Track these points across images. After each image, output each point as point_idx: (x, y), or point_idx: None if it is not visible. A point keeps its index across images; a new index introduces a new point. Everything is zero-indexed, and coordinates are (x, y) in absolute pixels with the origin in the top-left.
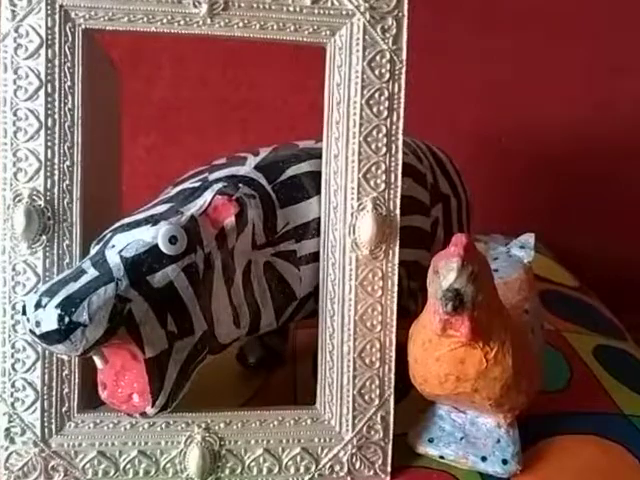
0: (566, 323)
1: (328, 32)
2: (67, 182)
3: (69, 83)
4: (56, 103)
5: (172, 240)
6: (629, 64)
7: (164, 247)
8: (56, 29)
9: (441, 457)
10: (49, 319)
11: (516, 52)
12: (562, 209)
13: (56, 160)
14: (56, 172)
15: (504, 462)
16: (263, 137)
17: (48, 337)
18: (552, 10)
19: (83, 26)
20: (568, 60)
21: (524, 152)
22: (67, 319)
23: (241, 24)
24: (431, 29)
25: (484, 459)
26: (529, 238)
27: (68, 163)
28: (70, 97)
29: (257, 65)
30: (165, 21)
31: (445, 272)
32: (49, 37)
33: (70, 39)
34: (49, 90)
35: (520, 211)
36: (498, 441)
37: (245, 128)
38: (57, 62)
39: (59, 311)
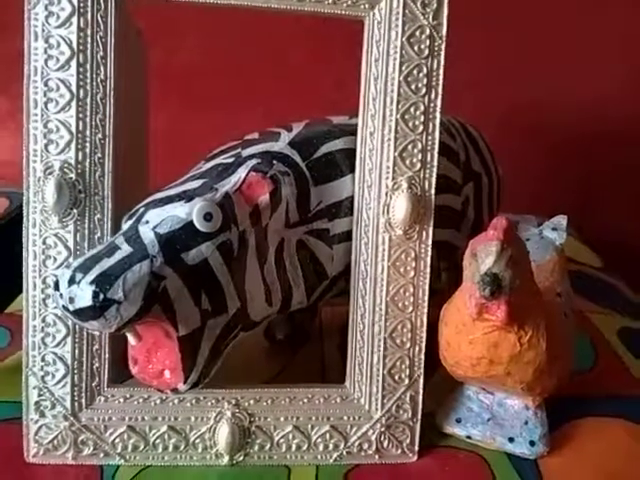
0: (590, 304)
1: (367, 5)
2: (99, 155)
3: (101, 53)
4: (88, 74)
5: (207, 217)
6: None
7: (199, 224)
8: None
9: (468, 437)
10: (83, 295)
11: (549, 29)
12: (588, 189)
13: (88, 132)
14: (87, 145)
15: (531, 444)
16: (286, 110)
17: (82, 314)
18: None
19: None
20: (603, 35)
21: (552, 133)
22: (102, 296)
23: None
24: (461, 5)
25: (511, 440)
26: (562, 220)
27: (100, 136)
28: (102, 68)
29: (282, 37)
30: None
31: (483, 256)
32: (81, 5)
33: (102, 7)
34: (81, 60)
35: (545, 191)
36: (526, 422)
37: (269, 100)
38: (89, 31)
39: (94, 287)
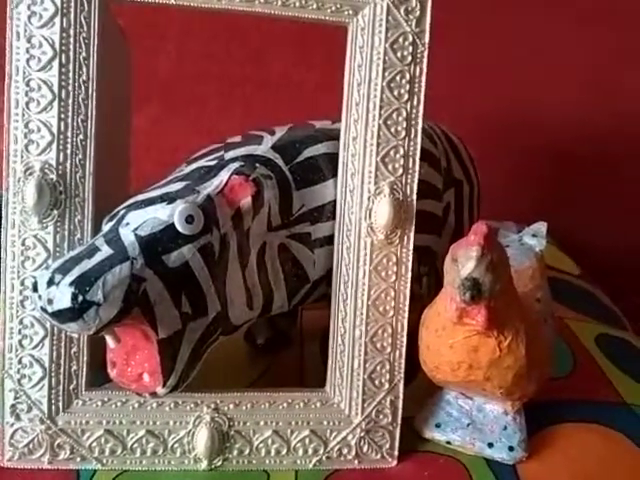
0: (569, 311)
1: (351, 11)
2: (80, 156)
3: (84, 54)
4: (70, 74)
5: (189, 219)
6: (637, 50)
7: (180, 226)
8: None
9: (448, 442)
10: (62, 297)
11: (526, 33)
12: (564, 196)
13: (69, 133)
14: (69, 145)
15: (510, 449)
16: (266, 113)
17: (61, 315)
18: None
19: None
20: (575, 45)
21: (527, 139)
22: (81, 297)
23: (262, 0)
24: (439, 11)
25: (491, 445)
26: (541, 227)
27: (81, 137)
28: (85, 68)
29: (263, 41)
30: None
31: (464, 261)
32: (64, 5)
33: (86, 8)
34: (63, 61)
35: (522, 198)
36: (505, 428)
37: (248, 104)
38: (72, 32)
39: (73, 289)
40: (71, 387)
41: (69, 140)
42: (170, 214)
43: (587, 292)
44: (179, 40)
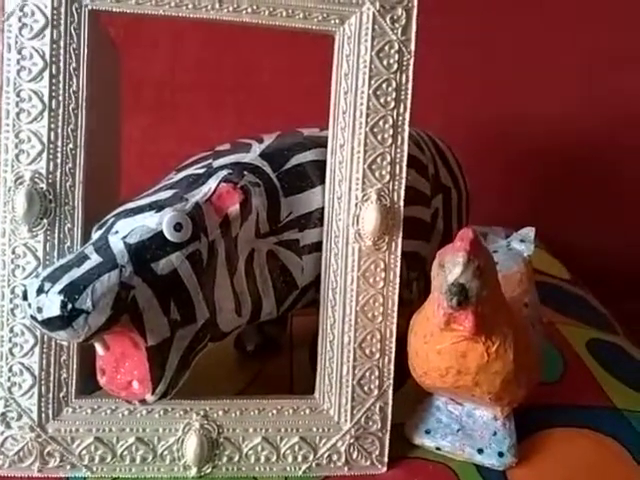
0: (560, 316)
1: (337, 20)
2: (70, 165)
3: (74, 65)
4: (60, 85)
5: (177, 227)
6: (627, 59)
7: (169, 234)
8: (62, 9)
9: (437, 448)
10: (51, 305)
11: (514, 44)
12: (555, 201)
13: (59, 143)
14: (59, 155)
15: (500, 455)
16: (258, 121)
17: (50, 323)
18: (551, 2)
19: (89, 7)
20: (566, 53)
21: (517, 144)
22: (70, 306)
23: (250, 10)
24: (428, 14)
25: (480, 451)
26: (529, 232)
27: (71, 146)
28: (75, 79)
29: (254, 49)
30: (173, 4)
31: (451, 266)
32: (55, 17)
33: (76, 20)
34: (53, 71)
35: (512, 203)
36: (494, 434)
37: (240, 112)
38: (62, 43)
39: (62, 297)
40: (61, 395)
41: (59, 149)
42: (159, 222)
43: (578, 296)
44: (170, 48)
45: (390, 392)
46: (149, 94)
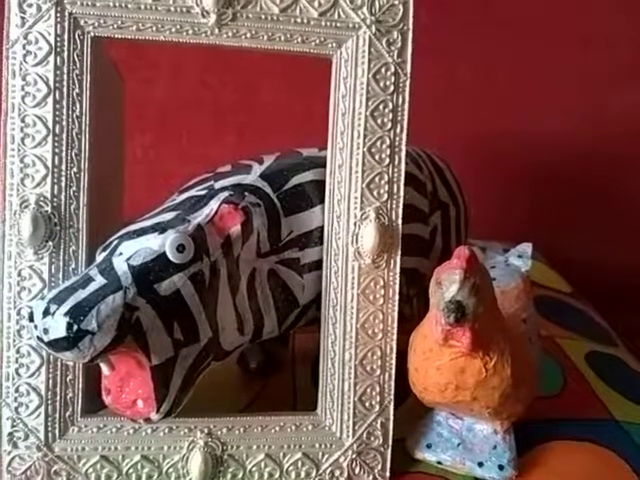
0: (559, 329)
1: (334, 44)
2: (74, 188)
3: (77, 90)
4: (64, 110)
5: (179, 248)
6: (623, 75)
7: (172, 255)
8: (65, 36)
9: (439, 463)
10: (58, 327)
11: (511, 59)
12: (554, 214)
13: (63, 167)
14: (63, 178)
15: (500, 468)
16: (259, 142)
17: (56, 345)
18: (549, 18)
19: (92, 34)
20: (563, 68)
21: (516, 159)
22: (76, 327)
23: (249, 35)
24: (426, 33)
25: (481, 465)
26: (527, 248)
27: (75, 170)
28: (78, 104)
29: (255, 70)
30: (174, 30)
31: (448, 284)
32: (58, 44)
33: (79, 46)
34: (57, 97)
35: (512, 218)
36: (494, 447)
37: (241, 132)
38: (65, 69)
39: (68, 319)
40: (67, 414)
41: (63, 173)
42: (162, 244)
43: (578, 310)
44: (172, 70)
45: (391, 408)
46: (152, 115)
